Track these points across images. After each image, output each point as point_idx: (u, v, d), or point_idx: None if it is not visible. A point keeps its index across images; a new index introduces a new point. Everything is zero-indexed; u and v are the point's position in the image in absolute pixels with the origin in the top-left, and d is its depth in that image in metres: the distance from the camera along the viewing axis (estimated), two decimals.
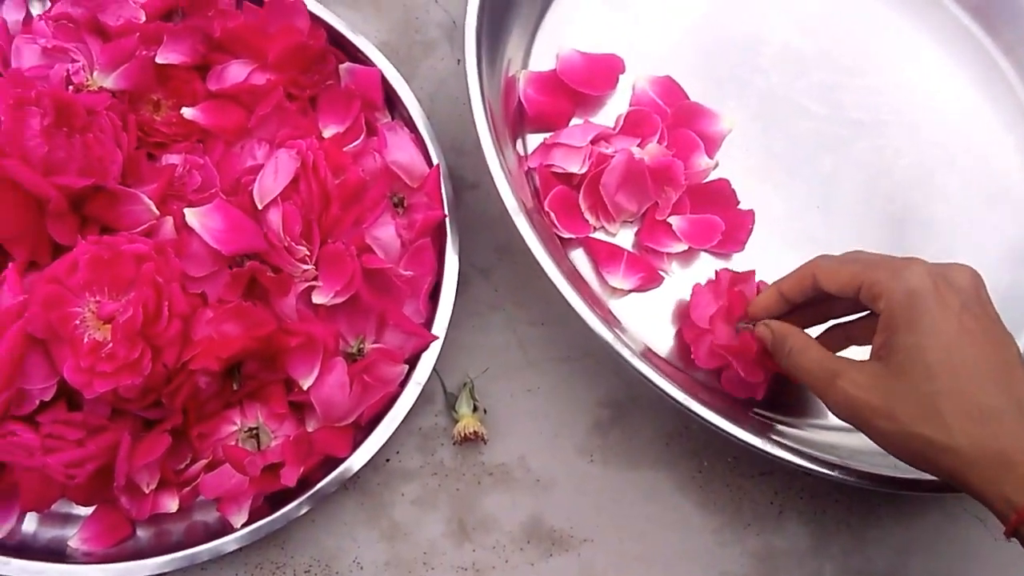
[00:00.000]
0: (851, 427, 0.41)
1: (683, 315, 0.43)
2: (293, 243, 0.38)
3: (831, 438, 0.41)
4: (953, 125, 0.51)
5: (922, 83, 0.51)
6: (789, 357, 0.36)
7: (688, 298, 0.43)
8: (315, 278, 0.38)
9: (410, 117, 0.43)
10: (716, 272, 0.43)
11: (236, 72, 0.40)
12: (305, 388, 0.37)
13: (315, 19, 0.43)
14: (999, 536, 0.43)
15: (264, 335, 0.35)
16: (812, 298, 0.38)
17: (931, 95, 0.51)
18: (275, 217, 0.37)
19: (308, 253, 0.38)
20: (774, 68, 0.50)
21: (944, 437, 0.31)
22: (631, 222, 0.45)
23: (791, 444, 0.38)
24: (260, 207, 0.37)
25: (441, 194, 0.42)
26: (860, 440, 0.42)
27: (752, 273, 0.43)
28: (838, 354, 0.36)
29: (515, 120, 0.46)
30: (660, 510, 0.42)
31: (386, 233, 0.40)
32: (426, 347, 0.40)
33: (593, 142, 0.45)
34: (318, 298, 0.38)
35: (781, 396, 0.42)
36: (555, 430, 0.43)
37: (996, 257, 0.48)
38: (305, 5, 0.42)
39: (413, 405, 0.39)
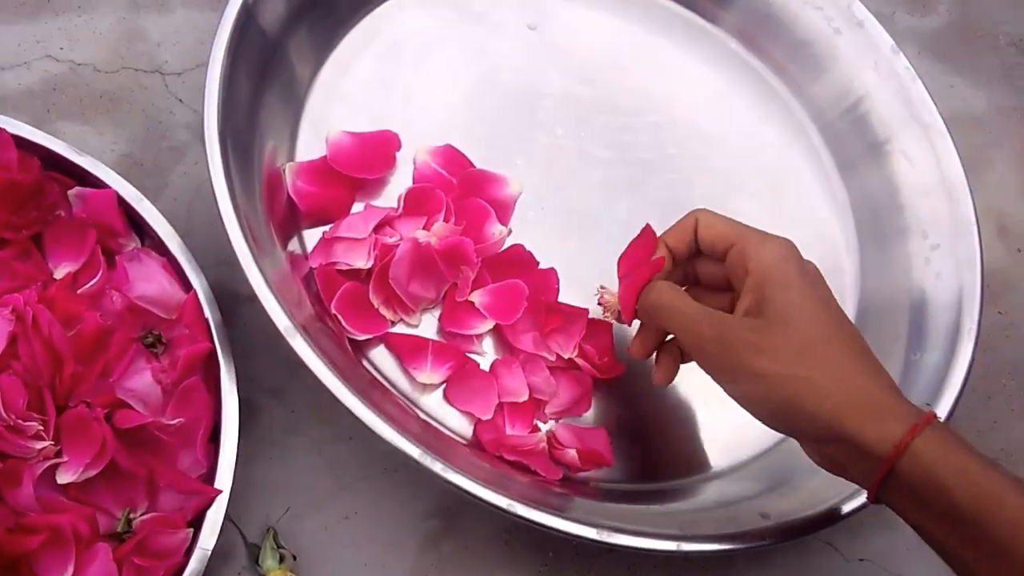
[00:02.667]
0: (695, 480, 0.41)
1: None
2: (19, 420, 0.32)
3: (671, 507, 0.40)
4: (738, 149, 0.51)
5: (703, 113, 0.51)
6: (662, 312, 0.37)
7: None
8: (57, 453, 0.32)
9: (159, 238, 0.38)
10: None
11: None
12: None
13: (25, 146, 0.37)
14: (850, 557, 0.43)
15: None
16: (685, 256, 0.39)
17: (713, 123, 0.51)
18: None
19: (42, 427, 0.32)
20: (556, 121, 0.49)
21: (827, 380, 0.31)
22: (432, 308, 0.42)
23: (629, 527, 0.36)
24: None
25: (206, 321, 0.37)
26: (701, 498, 0.41)
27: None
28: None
29: (286, 217, 0.42)
30: None
31: (141, 381, 0.35)
32: (211, 503, 0.35)
33: (377, 228, 0.42)
34: (64, 477, 0.32)
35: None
36: (382, 556, 0.38)
37: None
38: (8, 133, 0.37)
39: (205, 571, 0.34)
